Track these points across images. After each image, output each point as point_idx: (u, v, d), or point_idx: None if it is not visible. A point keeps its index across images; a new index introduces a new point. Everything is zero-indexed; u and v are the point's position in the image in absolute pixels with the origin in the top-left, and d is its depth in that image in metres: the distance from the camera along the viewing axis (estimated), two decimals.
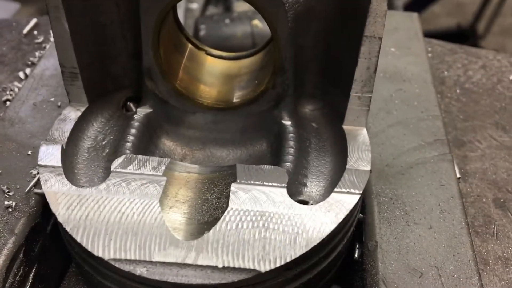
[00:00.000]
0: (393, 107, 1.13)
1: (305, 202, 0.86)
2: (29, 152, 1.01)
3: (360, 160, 0.87)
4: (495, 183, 1.04)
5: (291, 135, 0.95)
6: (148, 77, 0.97)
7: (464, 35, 5.80)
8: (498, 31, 6.36)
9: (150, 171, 0.84)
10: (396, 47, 1.31)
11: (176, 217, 0.81)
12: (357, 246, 0.92)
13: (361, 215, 0.93)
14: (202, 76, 1.02)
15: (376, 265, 0.83)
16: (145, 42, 0.92)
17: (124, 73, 1.03)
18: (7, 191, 0.93)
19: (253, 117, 0.99)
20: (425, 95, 1.16)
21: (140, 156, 0.87)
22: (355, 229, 0.92)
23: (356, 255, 0.91)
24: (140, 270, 0.74)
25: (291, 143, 0.93)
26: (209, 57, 1.05)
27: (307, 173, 0.92)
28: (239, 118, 0.99)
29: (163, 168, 0.85)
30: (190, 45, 1.03)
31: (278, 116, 0.97)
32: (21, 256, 0.87)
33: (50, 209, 0.92)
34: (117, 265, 0.74)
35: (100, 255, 0.74)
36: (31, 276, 0.90)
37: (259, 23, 1.85)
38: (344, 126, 0.93)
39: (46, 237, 0.94)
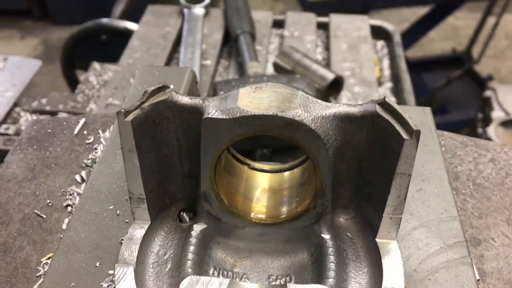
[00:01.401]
0: (415, 209, 1.26)
1: None
2: (97, 264, 1.14)
3: (395, 280, 1.01)
4: (510, 282, 1.17)
5: (330, 249, 1.08)
6: (204, 199, 1.11)
7: (460, 59, 6.01)
8: (492, 54, 6.56)
9: None
10: None
11: None
12: None
13: None
14: (249, 192, 1.16)
15: None
16: (204, 172, 1.06)
17: (178, 189, 1.17)
18: None
19: (296, 231, 1.13)
20: (443, 195, 1.29)
21: (203, 278, 1.00)
22: None
23: None
24: None
25: (332, 257, 1.06)
26: (252, 171, 1.19)
27: (347, 285, 1.05)
28: (283, 231, 1.13)
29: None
30: (238, 164, 1.17)
31: (318, 230, 1.11)
32: None
33: None
34: None
35: None
36: None
37: None
38: (377, 240, 1.07)
39: None
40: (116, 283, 0.99)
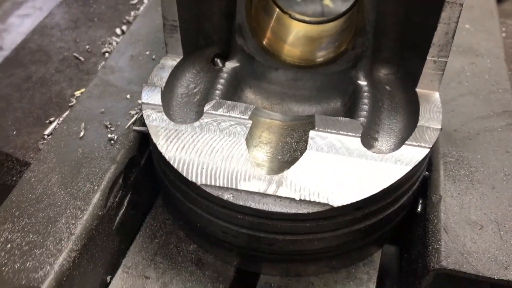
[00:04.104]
0: (464, 79, 1.17)
1: None
2: (128, 96, 1.14)
3: (431, 120, 0.94)
4: None
5: (365, 94, 1.02)
6: (239, 33, 1.06)
7: None
8: None
9: (238, 114, 0.95)
10: (470, 24, 1.34)
11: (260, 154, 0.91)
12: (421, 201, 0.99)
13: (427, 172, 0.99)
14: (286, 36, 1.11)
15: (438, 215, 0.90)
16: (240, 2, 1.01)
17: (214, 31, 1.13)
18: (109, 126, 1.06)
19: (331, 77, 1.07)
20: (497, 69, 1.20)
21: (229, 102, 0.97)
22: (420, 185, 0.99)
23: (419, 209, 0.98)
24: (227, 196, 0.84)
25: (366, 100, 1.01)
26: (293, 21, 1.13)
27: (378, 129, 0.99)
28: (318, 77, 1.08)
29: (249, 113, 0.95)
30: (277, 9, 1.11)
31: (354, 76, 1.04)
32: (120, 181, 0.99)
33: (145, 145, 1.05)
34: (207, 190, 0.85)
35: (194, 180, 0.86)
36: (126, 202, 1.03)
37: (330, 3, 1.90)
38: (417, 89, 1.00)
39: (140, 170, 1.07)
40: (142, 98, 0.97)
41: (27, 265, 0.84)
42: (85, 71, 1.29)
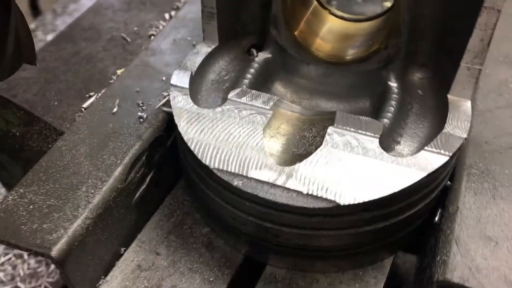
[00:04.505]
0: (505, 91, 1.12)
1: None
2: (163, 78, 1.18)
3: (457, 128, 0.91)
4: None
5: (394, 95, 1.00)
6: (273, 25, 1.07)
7: None
8: None
9: (260, 104, 0.96)
10: None
11: (275, 145, 0.92)
12: (439, 211, 0.96)
13: (449, 182, 0.96)
14: (321, 31, 1.10)
15: (452, 227, 0.87)
16: None
17: (251, 20, 1.14)
18: (141, 105, 1.10)
19: (362, 75, 1.05)
20: None
21: (253, 91, 0.98)
22: (440, 195, 0.96)
23: (436, 219, 0.95)
24: (237, 182, 0.85)
25: (393, 102, 0.99)
26: (331, 16, 1.13)
27: (402, 132, 0.97)
28: (348, 75, 1.06)
29: (271, 103, 0.96)
30: (314, 2, 1.11)
31: (385, 77, 1.03)
32: (143, 158, 1.03)
33: (173, 126, 1.08)
34: (219, 174, 0.87)
35: (207, 163, 0.88)
36: (148, 178, 1.06)
37: (388, 4, 1.86)
38: (449, 96, 0.97)
39: (165, 150, 1.10)
40: (171, 80, 1.00)
41: (44, 226, 0.89)
42: (130, 51, 1.34)
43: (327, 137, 0.89)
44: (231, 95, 0.97)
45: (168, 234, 1.04)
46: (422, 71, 1.06)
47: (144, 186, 1.06)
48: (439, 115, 0.98)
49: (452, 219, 0.88)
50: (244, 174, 0.86)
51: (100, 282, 0.96)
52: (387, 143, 0.94)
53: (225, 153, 0.88)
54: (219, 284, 0.96)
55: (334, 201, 0.81)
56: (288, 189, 0.84)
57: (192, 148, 0.90)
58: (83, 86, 1.23)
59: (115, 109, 1.10)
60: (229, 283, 0.96)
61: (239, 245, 1.00)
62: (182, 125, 0.93)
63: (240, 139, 0.90)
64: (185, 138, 0.91)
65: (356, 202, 0.81)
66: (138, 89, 1.15)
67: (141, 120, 1.07)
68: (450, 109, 0.94)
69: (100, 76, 1.26)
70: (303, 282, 0.96)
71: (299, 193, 0.83)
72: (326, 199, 0.82)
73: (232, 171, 0.86)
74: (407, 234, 0.98)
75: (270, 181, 0.85)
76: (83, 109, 1.16)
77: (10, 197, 0.94)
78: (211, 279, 0.96)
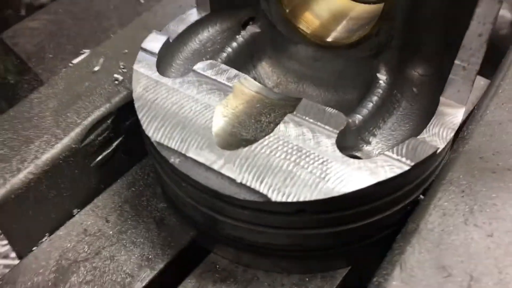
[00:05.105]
0: None
1: (357, 158, 0.81)
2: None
3: (436, 136, 0.78)
4: None
5: (379, 90, 0.88)
6: None
7: None
8: None
9: (224, 80, 0.88)
10: None
11: (225, 126, 0.84)
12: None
13: (422, 196, 0.84)
14: (314, 9, 1.00)
15: (403, 247, 0.75)
16: None
17: None
18: (122, 67, 1.07)
19: (352, 63, 0.94)
20: None
21: (222, 65, 0.90)
22: (411, 209, 0.84)
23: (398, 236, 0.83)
24: (173, 160, 0.79)
25: (375, 98, 0.87)
26: None
27: (377, 132, 0.85)
28: (338, 60, 0.96)
29: (235, 81, 0.87)
30: None
31: (375, 67, 0.91)
32: (108, 122, 0.99)
33: None
34: (158, 148, 0.81)
35: (150, 135, 0.82)
36: (115, 144, 1.03)
37: None
38: (441, 98, 0.83)
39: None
40: (143, 43, 0.95)
41: None
42: (139, 13, 1.30)
43: (281, 125, 0.80)
44: (197, 66, 0.90)
45: (124, 203, 1.00)
46: (424, 67, 0.93)
47: (110, 151, 1.02)
48: (426, 119, 0.84)
49: (406, 238, 0.76)
50: (183, 152, 0.79)
51: (43, 240, 0.95)
52: (353, 141, 0.83)
53: (170, 127, 0.82)
54: (156, 263, 0.91)
55: (266, 196, 0.73)
56: (223, 175, 0.76)
57: (139, 116, 0.84)
58: (82, 42, 1.22)
59: (96, 68, 1.07)
60: (167, 263, 0.91)
61: (186, 227, 0.94)
62: (138, 91, 0.88)
63: (190, 114, 0.83)
64: (136, 105, 0.86)
65: (289, 200, 0.72)
66: (126, 50, 1.11)
67: (116, 82, 1.03)
68: (437, 114, 0.81)
69: (102, 34, 1.24)
70: (242, 277, 0.88)
71: (232, 181, 0.75)
72: (258, 192, 0.73)
73: (172, 147, 0.80)
74: (368, 246, 0.87)
75: (207, 163, 0.77)
76: (70, 65, 1.15)
77: None
78: (150, 256, 0.91)
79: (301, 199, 0.72)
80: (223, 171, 0.76)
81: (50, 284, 0.87)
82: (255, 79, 1.01)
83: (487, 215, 0.78)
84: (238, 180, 0.75)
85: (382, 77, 0.90)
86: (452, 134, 0.78)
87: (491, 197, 0.81)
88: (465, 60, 0.78)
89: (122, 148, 1.04)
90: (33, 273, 0.89)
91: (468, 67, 0.79)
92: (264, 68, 1.03)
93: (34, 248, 0.93)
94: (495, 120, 0.93)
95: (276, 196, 0.72)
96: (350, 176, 0.72)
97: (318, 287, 0.86)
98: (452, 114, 0.81)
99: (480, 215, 0.78)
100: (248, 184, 0.74)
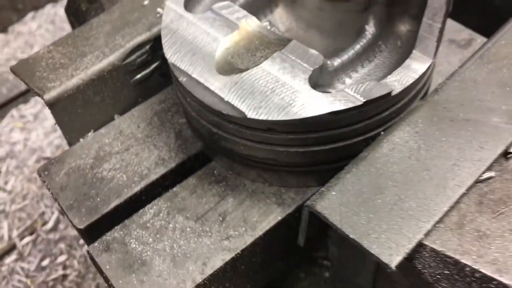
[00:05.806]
0: (507, 66, 1.04)
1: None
2: None
3: (396, 82, 0.91)
4: None
5: (363, 40, 1.02)
6: None
7: None
8: None
9: (234, 19, 1.06)
10: None
11: (225, 55, 1.02)
12: None
13: (382, 133, 0.98)
14: None
15: (351, 168, 0.91)
16: None
17: None
18: None
19: (348, 15, 1.08)
20: None
21: (236, 6, 1.08)
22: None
23: None
24: (181, 78, 1.00)
25: (357, 46, 1.01)
26: None
27: (353, 76, 1.00)
28: (337, 13, 1.09)
29: (242, 20, 1.05)
30: None
31: (364, 20, 1.04)
32: (147, 47, 1.21)
33: None
34: (172, 68, 1.01)
35: (167, 56, 1.03)
36: (153, 66, 1.25)
37: None
38: (414, 51, 0.96)
39: None
40: None
41: (50, 77, 1.14)
42: None
43: (269, 59, 0.97)
44: (215, 5, 1.09)
45: (154, 115, 1.23)
46: (411, 23, 1.05)
47: (148, 72, 1.25)
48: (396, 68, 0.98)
49: (355, 162, 0.92)
50: (189, 73, 0.99)
51: (88, 134, 1.21)
52: (329, 80, 0.98)
53: (183, 53, 1.02)
54: (169, 163, 1.13)
55: (243, 113, 0.92)
56: (215, 94, 0.95)
57: (163, 42, 1.05)
58: None
59: (145, 2, 1.28)
60: (177, 164, 1.13)
61: (196, 139, 1.15)
62: (165, 22, 1.08)
63: (202, 44, 1.03)
64: (162, 33, 1.06)
65: (261, 118, 0.90)
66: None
67: (158, 15, 1.24)
68: (404, 63, 0.94)
69: None
70: (232, 182, 1.09)
71: (221, 99, 0.95)
72: (238, 109, 0.92)
73: (182, 68, 1.00)
74: (337, 170, 1.03)
75: (205, 84, 0.97)
76: None
77: (42, 50, 1.21)
78: (166, 157, 1.14)
79: (270, 118, 0.90)
80: (216, 91, 0.96)
81: (88, 166, 1.13)
82: (270, 22, 1.18)
83: (431, 153, 0.92)
84: (226, 99, 0.94)
85: (369, 29, 1.03)
86: (412, 81, 0.92)
87: (440, 140, 0.94)
88: (430, 18, 0.90)
89: (158, 71, 1.27)
90: (77, 157, 1.15)
91: (432, 25, 0.91)
92: (280, 13, 1.19)
93: (81, 139, 1.19)
94: (471, 78, 1.03)
95: (251, 114, 0.91)
96: (311, 105, 0.89)
97: (291, 198, 1.05)
98: (417, 66, 0.94)
99: (425, 152, 0.92)
100: (232, 102, 0.93)
